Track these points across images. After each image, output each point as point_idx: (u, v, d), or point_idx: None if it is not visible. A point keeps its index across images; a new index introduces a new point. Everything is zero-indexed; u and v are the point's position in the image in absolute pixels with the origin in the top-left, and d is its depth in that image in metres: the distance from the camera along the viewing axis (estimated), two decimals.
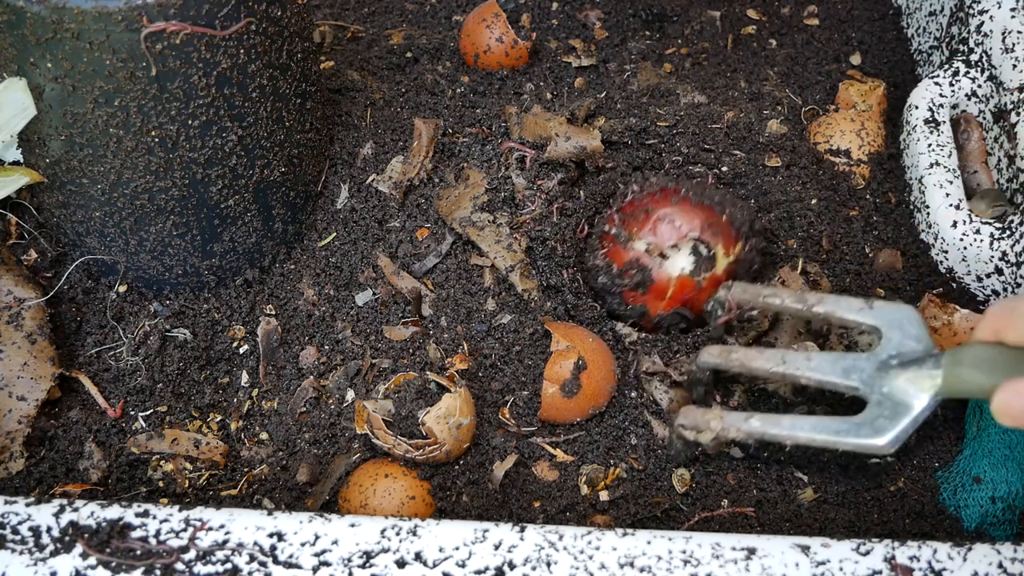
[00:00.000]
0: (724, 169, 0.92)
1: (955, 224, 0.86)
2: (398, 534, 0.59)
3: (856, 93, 0.99)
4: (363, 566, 0.57)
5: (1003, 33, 0.90)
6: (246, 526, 0.59)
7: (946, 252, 0.87)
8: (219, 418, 0.80)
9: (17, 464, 0.74)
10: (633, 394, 0.80)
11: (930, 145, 0.90)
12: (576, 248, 0.88)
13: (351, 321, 0.83)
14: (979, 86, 0.92)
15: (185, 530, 0.58)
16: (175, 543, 0.58)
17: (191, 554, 0.57)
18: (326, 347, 0.82)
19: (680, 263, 0.81)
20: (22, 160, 0.79)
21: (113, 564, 0.56)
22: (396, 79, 0.98)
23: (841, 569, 0.57)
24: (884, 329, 0.69)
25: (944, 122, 0.92)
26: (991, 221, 0.85)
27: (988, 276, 0.85)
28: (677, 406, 0.80)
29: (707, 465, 0.77)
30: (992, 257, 0.84)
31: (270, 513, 0.60)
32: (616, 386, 0.79)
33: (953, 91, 0.93)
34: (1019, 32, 0.89)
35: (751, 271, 0.85)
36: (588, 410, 0.78)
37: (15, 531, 0.58)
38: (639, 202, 0.84)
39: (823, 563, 0.58)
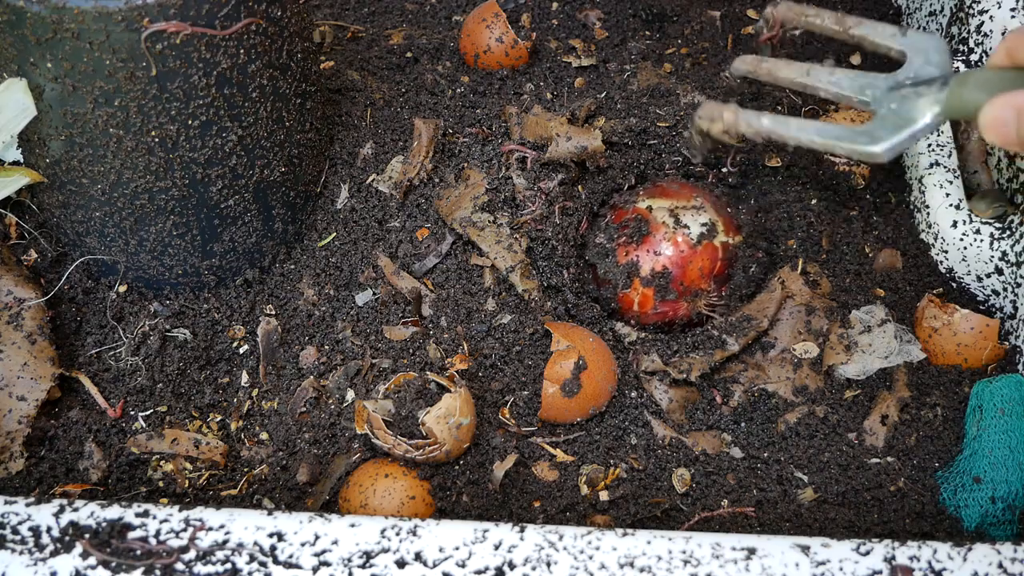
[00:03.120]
0: (724, 170, 0.92)
1: (955, 224, 0.86)
2: (398, 534, 0.59)
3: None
4: (363, 566, 0.57)
5: (1003, 33, 0.90)
6: (246, 526, 0.59)
7: (946, 252, 0.87)
8: (219, 418, 0.80)
9: (17, 464, 0.74)
10: (633, 394, 0.80)
11: (930, 145, 0.90)
12: (577, 248, 0.88)
13: (351, 321, 0.83)
14: None
15: (185, 530, 0.58)
16: (175, 543, 0.58)
17: (191, 554, 0.57)
18: (326, 347, 0.82)
19: (680, 220, 0.84)
20: (22, 160, 0.79)
21: (113, 564, 0.56)
22: (396, 79, 0.98)
23: (841, 569, 0.57)
24: (909, 53, 0.71)
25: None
26: (991, 221, 0.85)
27: (988, 276, 0.85)
28: (678, 406, 0.80)
29: (707, 465, 0.77)
30: (992, 257, 0.84)
31: (270, 513, 0.60)
32: (616, 386, 0.79)
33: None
34: None
35: (750, 275, 0.85)
36: (588, 410, 0.78)
37: (15, 531, 0.58)
38: (650, 184, 0.89)
39: (823, 563, 0.58)
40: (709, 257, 0.83)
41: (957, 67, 0.95)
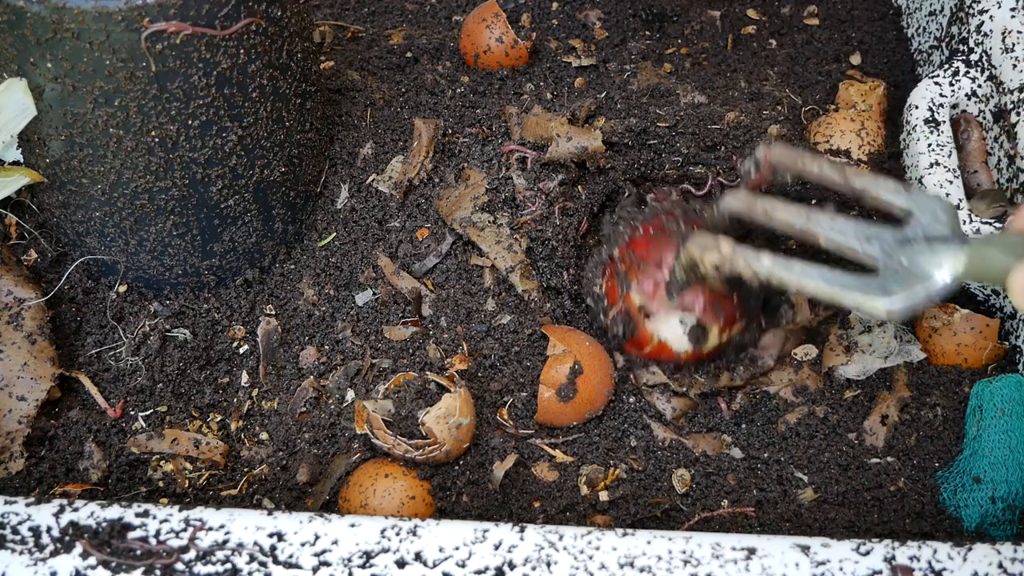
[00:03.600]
0: (724, 169, 0.92)
1: None
2: (398, 534, 0.59)
3: (856, 93, 0.99)
4: (363, 566, 0.57)
5: (1003, 33, 0.90)
6: (246, 526, 0.59)
7: None
8: (219, 418, 0.80)
9: (17, 464, 0.74)
10: (632, 399, 0.80)
11: (930, 145, 0.90)
12: (577, 248, 0.88)
13: (351, 321, 0.83)
14: (979, 86, 0.92)
15: (185, 530, 0.58)
16: (175, 543, 0.58)
17: (191, 554, 0.57)
18: (326, 347, 0.82)
19: (669, 331, 0.79)
20: (22, 160, 0.79)
21: (113, 564, 0.56)
22: (396, 79, 0.98)
23: (841, 569, 0.57)
24: (915, 211, 0.66)
25: (944, 122, 0.92)
26: (991, 221, 0.85)
27: None
28: (680, 412, 0.80)
29: (707, 466, 0.77)
30: None
31: (270, 513, 0.60)
32: (613, 390, 0.79)
33: (953, 91, 0.93)
34: (1019, 32, 0.89)
35: (744, 345, 0.83)
36: (584, 414, 0.78)
37: (15, 531, 0.58)
38: (650, 246, 0.81)
39: (823, 563, 0.58)
40: (696, 357, 0.80)
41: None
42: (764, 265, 0.66)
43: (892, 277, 0.63)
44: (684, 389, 0.79)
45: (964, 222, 0.85)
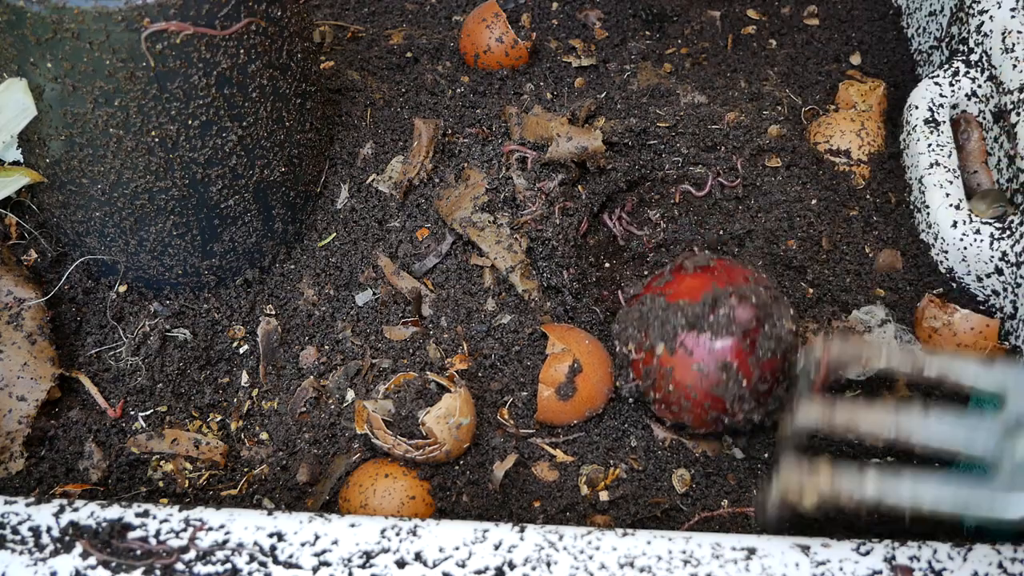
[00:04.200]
0: (724, 170, 0.92)
1: (955, 224, 0.86)
2: (398, 534, 0.59)
3: (856, 93, 0.99)
4: (363, 566, 0.57)
5: (1003, 33, 0.90)
6: (246, 526, 0.59)
7: (946, 252, 0.87)
8: (219, 418, 0.80)
9: (17, 464, 0.74)
10: (632, 399, 0.80)
11: (930, 145, 0.90)
12: (577, 248, 0.88)
13: (351, 321, 0.83)
14: (979, 86, 0.92)
15: (185, 530, 0.58)
16: (175, 543, 0.58)
17: (191, 554, 0.57)
18: (326, 347, 0.82)
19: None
20: (22, 160, 0.79)
21: (113, 564, 0.56)
22: (396, 79, 0.98)
23: (841, 569, 0.57)
24: (1008, 392, 0.61)
25: (944, 122, 0.92)
26: (991, 221, 0.85)
27: (988, 276, 0.85)
28: None
29: (707, 466, 0.77)
30: (992, 257, 0.84)
31: (270, 513, 0.60)
32: (613, 388, 0.79)
33: (953, 91, 0.93)
34: (1019, 32, 0.89)
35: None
36: (584, 413, 0.78)
37: (15, 531, 0.58)
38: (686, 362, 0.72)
39: (823, 563, 0.58)
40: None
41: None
42: (871, 493, 0.59)
43: (1012, 480, 0.57)
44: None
45: (964, 222, 0.86)
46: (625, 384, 0.76)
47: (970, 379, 0.63)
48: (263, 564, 0.57)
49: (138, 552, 0.57)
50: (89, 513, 0.59)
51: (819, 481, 0.60)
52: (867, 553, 0.58)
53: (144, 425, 0.78)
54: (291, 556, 0.57)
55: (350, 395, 0.79)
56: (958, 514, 0.58)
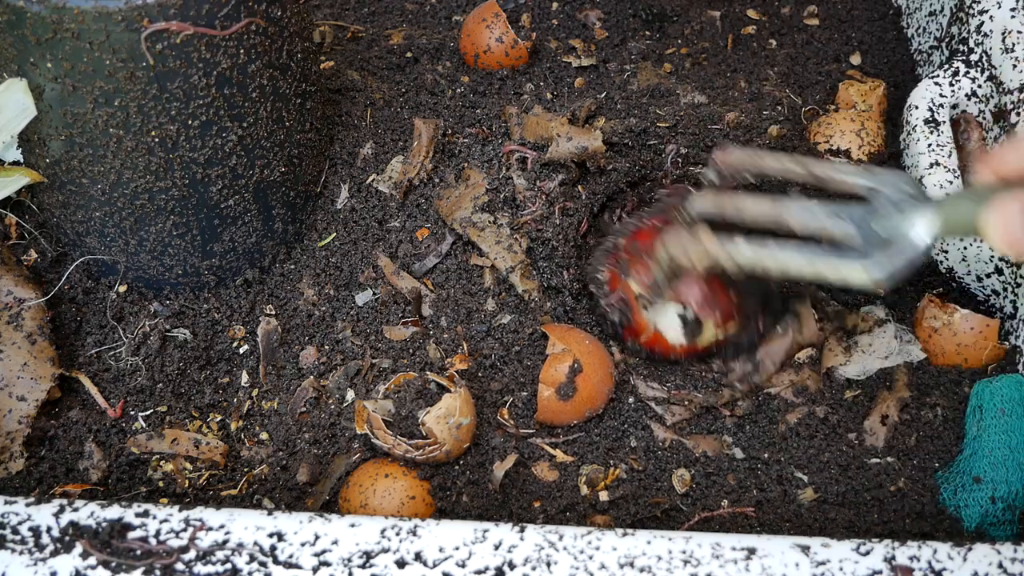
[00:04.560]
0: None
1: None
2: (398, 534, 0.59)
3: (856, 93, 0.99)
4: (363, 566, 0.57)
5: (1003, 33, 0.90)
6: (246, 526, 0.59)
7: (946, 252, 0.87)
8: (219, 418, 0.80)
9: (17, 464, 0.74)
10: (631, 399, 0.80)
11: (930, 145, 0.90)
12: (577, 248, 0.88)
13: (351, 321, 0.83)
14: (979, 86, 0.92)
15: (185, 530, 0.58)
16: (175, 543, 0.58)
17: (191, 554, 0.57)
18: (326, 347, 0.82)
19: (665, 322, 0.80)
20: (22, 160, 0.79)
21: (113, 564, 0.56)
22: (396, 79, 0.98)
23: (841, 569, 0.57)
24: (880, 188, 0.66)
25: (944, 122, 0.92)
26: None
27: (988, 276, 0.85)
28: (680, 419, 0.79)
29: (707, 466, 0.77)
30: (992, 257, 0.84)
31: (270, 513, 0.60)
32: (613, 388, 0.79)
33: (953, 91, 0.93)
34: (1019, 32, 0.89)
35: (741, 347, 0.83)
36: (584, 413, 0.78)
37: (15, 531, 0.58)
38: (654, 237, 0.81)
39: (823, 563, 0.58)
40: (691, 351, 0.81)
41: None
42: (744, 253, 0.67)
43: (870, 247, 0.63)
44: (685, 403, 0.79)
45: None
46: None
47: (850, 177, 0.69)
48: (263, 564, 0.57)
49: (138, 552, 0.57)
50: (89, 513, 0.59)
51: (702, 240, 0.69)
52: (867, 553, 0.58)
53: (144, 425, 0.78)
54: (291, 556, 0.57)
55: (350, 395, 0.79)
56: (818, 275, 0.65)
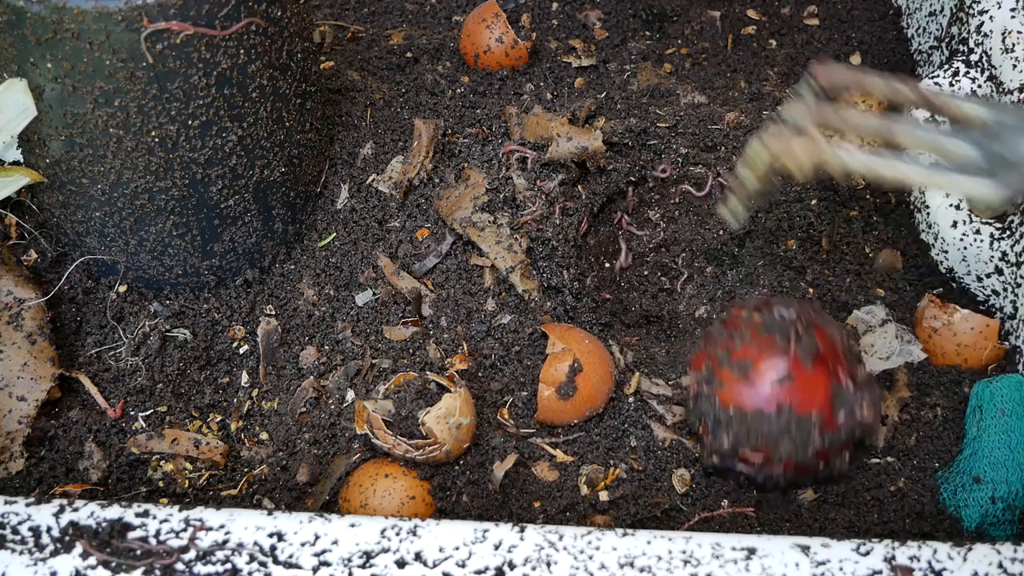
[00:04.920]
0: (724, 170, 0.92)
1: (955, 224, 0.86)
2: (398, 534, 0.59)
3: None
4: (363, 566, 0.57)
5: (1003, 33, 0.90)
6: (246, 526, 0.59)
7: (946, 252, 0.87)
8: (219, 418, 0.80)
9: (17, 464, 0.74)
10: (632, 399, 0.80)
11: None
12: (577, 248, 0.88)
13: (351, 321, 0.83)
14: (979, 86, 0.92)
15: (185, 530, 0.58)
16: (175, 543, 0.58)
17: (191, 554, 0.57)
18: (326, 347, 0.82)
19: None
20: (22, 160, 0.79)
21: (113, 564, 0.56)
22: (396, 79, 0.98)
23: (841, 569, 0.57)
24: (1001, 114, 0.62)
25: (944, 122, 0.92)
26: (991, 221, 0.85)
27: (988, 276, 0.85)
28: (681, 419, 0.79)
29: (707, 466, 0.77)
30: (992, 257, 0.84)
31: (270, 513, 0.60)
32: (613, 388, 0.79)
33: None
34: (1019, 32, 0.89)
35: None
36: (585, 412, 0.78)
37: (15, 531, 0.58)
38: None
39: (823, 563, 0.58)
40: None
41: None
42: (857, 157, 0.61)
43: (995, 167, 0.59)
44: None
45: (964, 222, 0.85)
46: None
47: (966, 106, 0.64)
48: (263, 564, 0.57)
49: (138, 552, 0.57)
50: (89, 513, 0.59)
51: (811, 142, 0.61)
52: (867, 553, 0.58)
53: (144, 425, 0.78)
54: (291, 556, 0.57)
55: (350, 395, 0.79)
56: (939, 186, 0.61)
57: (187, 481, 0.76)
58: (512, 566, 0.57)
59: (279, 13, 0.74)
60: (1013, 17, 0.90)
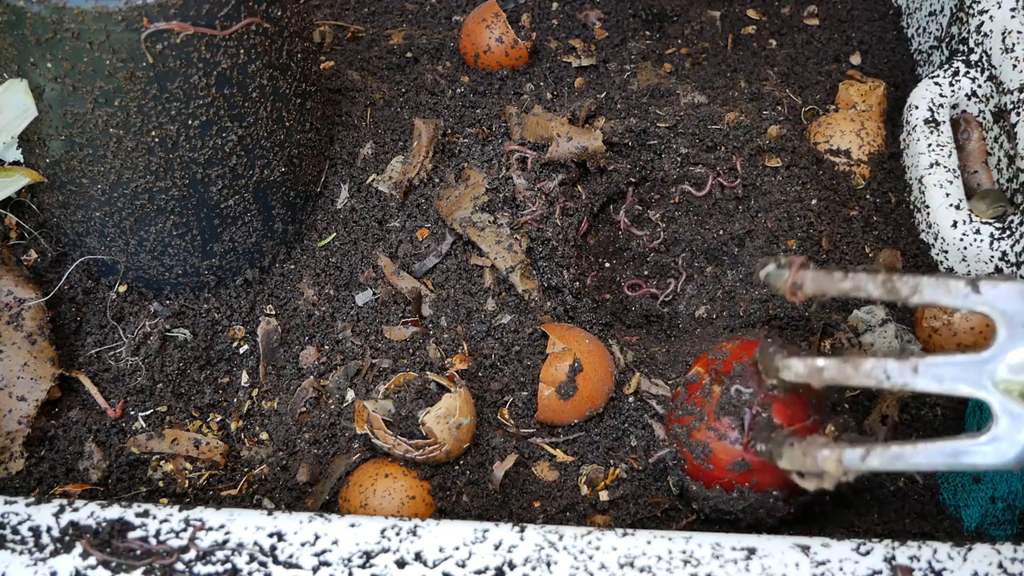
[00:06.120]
0: (724, 170, 0.92)
1: (955, 224, 0.86)
2: (398, 534, 0.59)
3: (856, 93, 0.99)
4: (363, 566, 0.57)
5: (1003, 33, 0.90)
6: (246, 526, 0.59)
7: (946, 252, 0.87)
8: (219, 418, 0.80)
9: (17, 464, 0.74)
10: (632, 398, 0.80)
11: (930, 145, 0.90)
12: (577, 248, 0.88)
13: (351, 321, 0.83)
14: (979, 86, 0.92)
15: (185, 530, 0.58)
16: (175, 543, 0.58)
17: (191, 554, 0.57)
18: (326, 347, 0.82)
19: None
20: (22, 160, 0.79)
21: (113, 564, 0.56)
22: (396, 79, 0.98)
23: (841, 569, 0.57)
24: (996, 317, 0.57)
25: (944, 122, 0.92)
26: (991, 221, 0.85)
27: None
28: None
29: None
30: (992, 257, 0.84)
31: (270, 513, 0.60)
32: (613, 388, 0.79)
33: (953, 91, 0.93)
34: (1019, 32, 0.89)
35: None
36: (585, 412, 0.78)
37: (15, 531, 0.58)
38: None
39: (823, 563, 0.58)
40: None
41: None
42: (874, 464, 0.58)
43: (1011, 423, 0.56)
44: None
45: (964, 222, 0.85)
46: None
47: (958, 301, 0.58)
48: (263, 564, 0.57)
49: (138, 552, 0.57)
50: (89, 513, 0.59)
51: (827, 455, 0.59)
52: (867, 553, 0.58)
53: (144, 425, 0.78)
54: (291, 556, 0.57)
55: (350, 395, 0.79)
56: (962, 469, 0.58)
57: (187, 481, 0.76)
58: (512, 566, 0.57)
59: (279, 13, 0.74)
60: (1013, 17, 0.90)
